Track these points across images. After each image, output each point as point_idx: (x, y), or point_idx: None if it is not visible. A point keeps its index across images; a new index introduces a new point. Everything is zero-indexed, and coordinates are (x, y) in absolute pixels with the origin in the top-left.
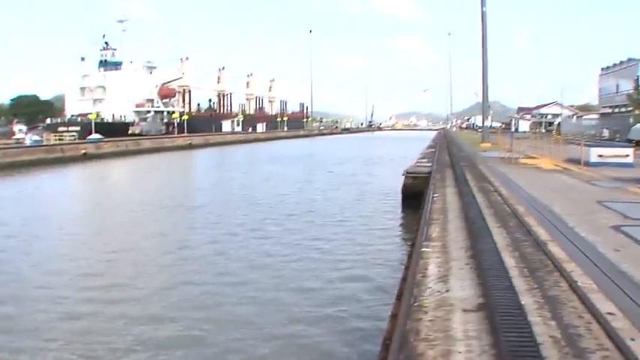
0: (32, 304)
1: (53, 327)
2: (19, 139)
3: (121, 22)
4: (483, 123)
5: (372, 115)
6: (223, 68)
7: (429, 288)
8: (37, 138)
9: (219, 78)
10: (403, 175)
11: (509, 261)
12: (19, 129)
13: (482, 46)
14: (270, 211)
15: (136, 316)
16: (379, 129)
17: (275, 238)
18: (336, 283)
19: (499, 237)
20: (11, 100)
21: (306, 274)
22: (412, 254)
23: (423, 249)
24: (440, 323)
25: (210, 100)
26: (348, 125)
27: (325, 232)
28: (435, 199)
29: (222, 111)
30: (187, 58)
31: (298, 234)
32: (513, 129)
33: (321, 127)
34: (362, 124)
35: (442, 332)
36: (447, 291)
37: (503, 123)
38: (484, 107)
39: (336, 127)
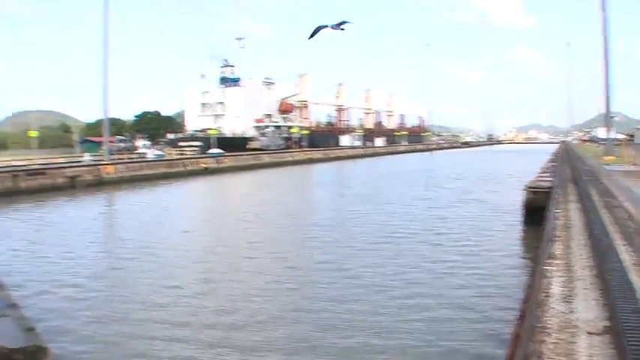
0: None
1: None
2: (142, 153)
3: (239, 39)
4: (608, 135)
5: (491, 128)
6: (341, 84)
7: (552, 308)
8: (159, 153)
9: (337, 93)
10: (524, 189)
11: (638, 281)
12: (142, 144)
13: (604, 54)
14: (384, 229)
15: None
16: (498, 142)
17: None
18: (454, 299)
19: (626, 255)
20: (135, 116)
21: (427, 289)
22: (534, 273)
23: (545, 267)
24: (564, 346)
25: (328, 115)
26: (467, 139)
27: (442, 250)
28: (557, 214)
29: (340, 126)
30: (305, 74)
31: (416, 256)
32: (638, 141)
33: (440, 141)
34: (481, 138)
35: (566, 356)
36: (571, 312)
37: (627, 135)
38: (607, 119)
39: (455, 141)
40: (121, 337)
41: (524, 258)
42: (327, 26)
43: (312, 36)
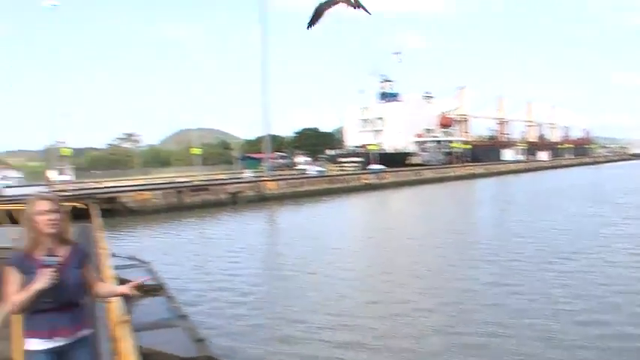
0: None
1: None
2: (302, 170)
3: (397, 53)
4: None
5: None
6: (502, 96)
7: None
8: (320, 169)
9: (498, 105)
10: None
11: None
12: (303, 160)
13: None
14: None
15: None
16: None
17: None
18: None
19: None
20: (294, 133)
21: None
22: None
23: None
24: None
25: (489, 129)
26: (636, 150)
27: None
28: None
29: (502, 139)
30: (464, 87)
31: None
32: None
33: (607, 153)
34: None
35: None
36: None
37: None
38: None
39: (624, 153)
40: (286, 355)
41: None
42: (331, 3)
43: (311, 22)
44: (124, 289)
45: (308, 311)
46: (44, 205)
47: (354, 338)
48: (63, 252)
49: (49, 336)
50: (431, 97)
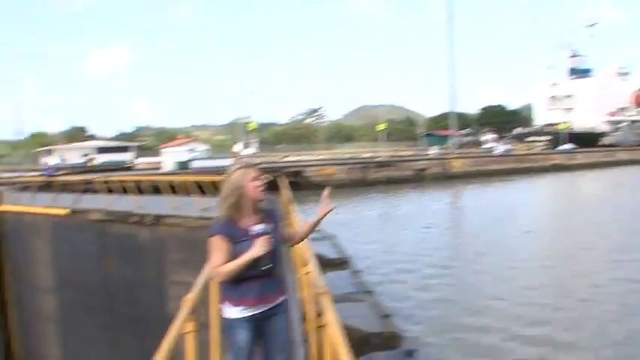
0: None
1: None
2: (489, 148)
3: (590, 26)
4: None
5: None
6: None
7: None
8: (508, 147)
9: None
10: None
11: None
12: (489, 138)
13: None
14: None
15: None
16: None
17: None
18: None
19: None
20: (480, 110)
21: None
22: None
23: None
24: None
25: None
26: None
27: None
28: None
29: None
30: None
31: None
32: None
33: None
34: None
35: None
36: None
37: None
38: None
39: None
40: (468, 330)
41: None
42: None
43: None
44: (321, 211)
45: (495, 299)
46: (254, 173)
47: (542, 332)
48: (264, 220)
49: (256, 303)
50: (626, 73)
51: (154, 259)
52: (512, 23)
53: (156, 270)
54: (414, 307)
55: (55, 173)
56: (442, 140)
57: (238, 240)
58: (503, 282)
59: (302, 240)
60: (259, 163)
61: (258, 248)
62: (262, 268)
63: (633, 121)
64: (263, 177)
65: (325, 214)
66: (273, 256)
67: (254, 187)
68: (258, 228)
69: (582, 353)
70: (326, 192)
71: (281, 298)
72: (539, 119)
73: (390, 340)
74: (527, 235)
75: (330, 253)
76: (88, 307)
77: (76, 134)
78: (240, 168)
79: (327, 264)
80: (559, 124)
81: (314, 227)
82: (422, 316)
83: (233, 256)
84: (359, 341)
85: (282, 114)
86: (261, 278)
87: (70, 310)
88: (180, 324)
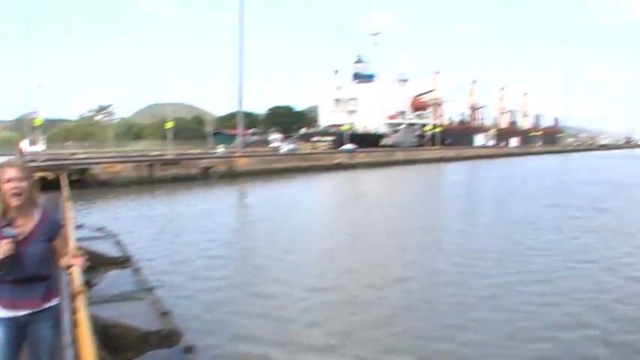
0: None
1: None
2: (275, 147)
3: (374, 35)
4: None
5: (631, 130)
6: (475, 81)
7: None
8: (292, 146)
9: (471, 91)
10: None
11: None
12: (274, 138)
13: None
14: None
15: None
16: (638, 146)
17: None
18: None
19: None
20: (268, 110)
21: None
22: None
23: None
24: None
25: (462, 114)
26: (604, 142)
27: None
28: None
29: (474, 124)
30: (439, 71)
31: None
32: None
33: (576, 143)
34: (619, 141)
35: None
36: None
37: None
38: None
39: (592, 144)
40: (250, 331)
41: None
42: None
43: None
44: (73, 260)
45: (275, 287)
46: (9, 173)
47: (320, 316)
48: (30, 223)
49: (11, 306)
50: (405, 80)
51: None
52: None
53: None
54: (194, 303)
55: None
56: (230, 139)
57: None
58: (287, 271)
59: (62, 268)
60: (45, 161)
61: None
62: (6, 273)
63: (410, 124)
64: (22, 177)
65: (70, 267)
66: (28, 261)
67: (8, 188)
68: (7, 231)
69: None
70: (77, 260)
71: (48, 304)
72: (325, 120)
73: (168, 338)
74: (307, 224)
75: (112, 252)
76: None
77: None
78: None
79: (108, 262)
80: (343, 125)
81: (68, 266)
82: (205, 312)
83: None
84: (137, 340)
85: (73, 110)
86: (17, 283)
87: None
88: None
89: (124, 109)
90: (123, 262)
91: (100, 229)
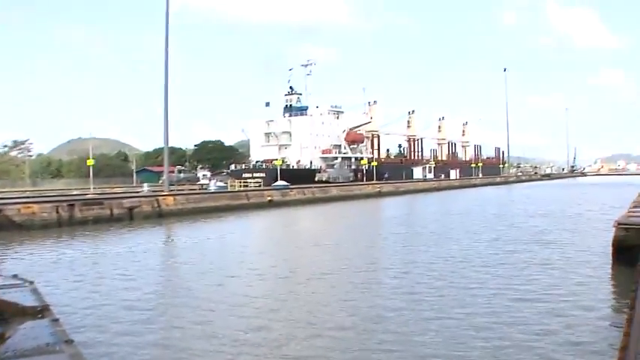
0: None
1: None
2: (203, 185)
3: (306, 65)
4: None
5: (574, 159)
6: (413, 112)
7: None
8: (221, 184)
9: (408, 122)
10: (614, 226)
11: None
12: (202, 174)
13: None
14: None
15: None
16: (582, 174)
17: None
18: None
19: None
20: (196, 145)
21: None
22: (632, 317)
23: None
24: None
25: (400, 146)
26: (548, 171)
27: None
28: None
29: (412, 157)
30: (375, 102)
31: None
32: None
33: (519, 174)
34: (563, 170)
35: None
36: None
37: None
38: None
39: (535, 173)
40: None
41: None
42: None
43: None
44: None
45: (202, 334)
46: None
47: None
48: None
49: None
50: (340, 111)
51: None
52: (232, 58)
53: None
54: (120, 352)
55: None
56: (156, 176)
57: None
58: (212, 322)
59: None
60: None
61: None
62: None
63: (346, 158)
64: None
65: None
66: None
67: None
68: None
69: None
70: None
71: None
72: (256, 155)
73: None
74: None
75: (28, 301)
76: None
77: None
78: None
79: (23, 312)
80: (275, 160)
81: None
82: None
83: None
84: None
85: None
86: None
87: None
88: None
89: (42, 145)
90: (39, 312)
91: (14, 277)
